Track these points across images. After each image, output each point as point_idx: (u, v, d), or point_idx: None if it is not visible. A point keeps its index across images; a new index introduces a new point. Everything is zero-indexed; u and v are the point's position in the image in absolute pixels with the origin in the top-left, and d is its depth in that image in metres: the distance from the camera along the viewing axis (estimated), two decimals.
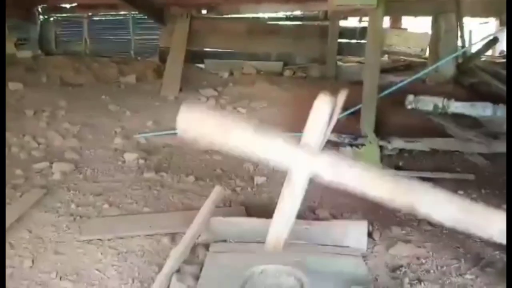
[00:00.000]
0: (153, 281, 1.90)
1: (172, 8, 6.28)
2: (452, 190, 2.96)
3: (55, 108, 4.40)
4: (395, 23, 7.61)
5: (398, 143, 3.48)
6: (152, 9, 6.31)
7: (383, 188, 1.57)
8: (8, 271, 1.97)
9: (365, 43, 3.63)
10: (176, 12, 6.23)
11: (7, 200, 2.62)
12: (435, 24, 5.19)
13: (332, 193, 2.91)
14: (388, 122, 3.87)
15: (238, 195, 2.88)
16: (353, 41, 6.63)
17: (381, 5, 3.47)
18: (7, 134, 3.67)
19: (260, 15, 7.13)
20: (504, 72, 4.42)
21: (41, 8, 7.14)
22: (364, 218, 2.36)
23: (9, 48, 6.49)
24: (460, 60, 5.13)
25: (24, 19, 6.92)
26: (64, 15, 7.28)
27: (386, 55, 6.79)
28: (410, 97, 4.00)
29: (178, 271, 1.97)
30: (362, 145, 3.38)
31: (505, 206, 2.01)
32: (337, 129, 3.73)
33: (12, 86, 4.76)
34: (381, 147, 3.45)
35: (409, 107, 4.11)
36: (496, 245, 2.23)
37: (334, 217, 2.58)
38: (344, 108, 4.02)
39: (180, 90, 5.30)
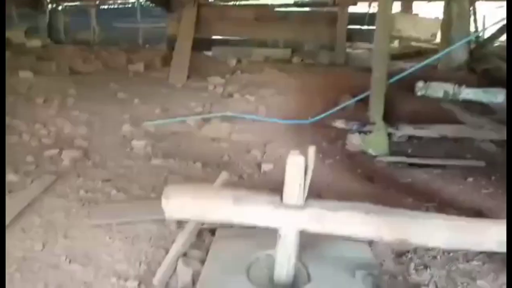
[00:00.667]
0: (160, 265, 1.93)
1: None
2: (462, 177, 2.98)
3: (65, 96, 4.44)
4: (406, 9, 7.47)
5: (407, 130, 3.44)
6: None
7: (370, 229, 1.61)
8: (20, 254, 2.03)
9: (374, 29, 3.55)
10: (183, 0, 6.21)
11: (19, 187, 2.67)
12: (447, 8, 5.06)
13: (338, 179, 2.93)
14: (397, 109, 3.83)
15: (244, 181, 2.89)
16: (363, 27, 6.52)
17: None
18: (18, 122, 3.73)
19: (268, 1, 7.06)
20: None
21: None
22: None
23: (19, 37, 6.55)
24: (473, 46, 5.01)
25: (33, 8, 6.96)
26: (73, 4, 7.30)
27: (397, 41, 6.67)
28: (420, 84, 3.94)
29: (184, 255, 2.00)
30: (370, 132, 3.35)
31: None
32: (345, 116, 3.73)
33: (22, 74, 4.81)
34: (389, 134, 3.41)
35: (419, 93, 4.06)
36: None
37: None
38: (353, 95, 4.00)
39: (188, 77, 5.30)
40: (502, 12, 7.43)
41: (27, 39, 6.55)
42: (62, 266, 1.94)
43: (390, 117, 3.60)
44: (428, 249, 2.15)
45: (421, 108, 3.74)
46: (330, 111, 3.73)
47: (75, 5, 7.31)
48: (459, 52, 4.68)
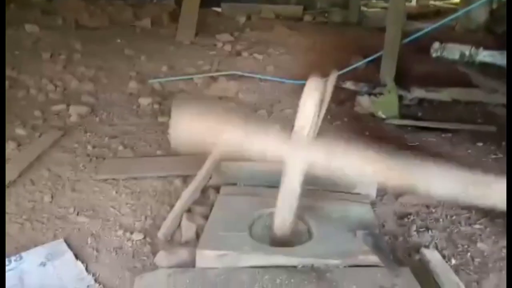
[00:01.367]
0: (164, 219, 1.97)
1: None
2: (471, 141, 2.94)
3: (71, 51, 4.39)
4: None
5: (418, 93, 3.36)
6: None
7: (379, 169, 1.56)
8: (29, 205, 2.08)
9: None
10: None
11: (27, 140, 2.70)
12: None
13: (345, 141, 2.91)
14: (410, 71, 3.72)
15: None
16: None
17: None
18: (25, 77, 3.72)
19: None
20: None
21: None
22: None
23: None
24: (494, 6, 4.77)
25: None
26: None
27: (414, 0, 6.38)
28: (436, 45, 3.78)
29: (188, 211, 2.04)
30: (381, 94, 3.28)
31: None
32: (354, 78, 3.64)
33: (28, 28, 4.74)
34: (400, 96, 3.34)
35: (434, 55, 3.91)
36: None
37: None
38: (364, 56, 3.89)
39: (196, 34, 5.17)
40: None
41: None
42: (70, 218, 2.00)
43: (402, 79, 3.51)
44: (430, 212, 2.16)
45: (435, 70, 3.62)
46: (340, 72, 3.64)
47: None
48: (479, 12, 4.46)
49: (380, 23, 4.83)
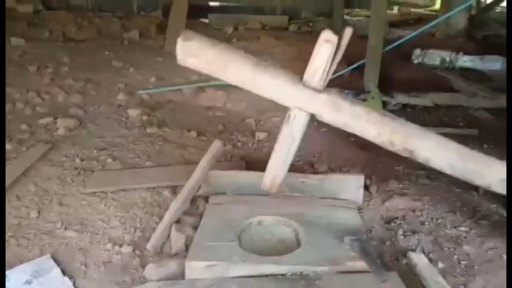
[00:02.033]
0: (154, 231, 1.98)
1: None
2: None
3: (58, 64, 4.37)
4: None
5: (401, 98, 3.43)
6: None
7: (383, 130, 1.53)
8: (15, 221, 2.06)
9: None
10: None
11: (13, 155, 2.68)
12: None
13: (332, 147, 2.95)
14: (393, 77, 3.80)
15: (239, 149, 2.91)
16: None
17: None
18: (11, 90, 3.69)
19: None
20: None
21: None
22: (363, 172, 2.39)
23: (10, 2, 6.35)
24: (473, 12, 4.90)
25: None
26: None
27: (396, 7, 6.51)
28: (417, 51, 3.89)
29: (178, 221, 2.04)
30: (365, 100, 3.34)
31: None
32: (339, 85, 3.70)
33: (14, 41, 4.72)
34: (384, 102, 3.41)
35: (415, 61, 4.02)
36: (493, 199, 2.26)
37: (333, 171, 2.61)
38: (348, 63, 3.95)
39: None
40: None
41: (18, 4, 6.36)
42: (57, 233, 1.98)
43: (385, 86, 3.58)
44: (416, 216, 2.20)
45: (417, 76, 3.71)
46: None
47: None
48: (458, 18, 4.58)
49: (364, 31, 4.91)
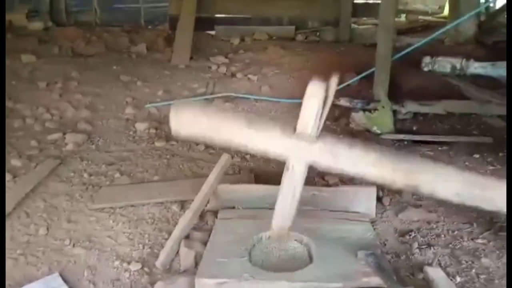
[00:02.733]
0: (162, 247, 1.94)
1: None
2: (468, 153, 2.93)
3: (67, 79, 4.41)
4: None
5: (412, 107, 3.37)
6: None
7: (383, 171, 1.54)
8: (24, 238, 2.05)
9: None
10: None
11: (22, 171, 2.69)
12: None
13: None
14: (403, 86, 3.75)
15: (247, 162, 2.88)
16: (368, 1, 6.34)
17: None
18: (21, 106, 3.73)
19: None
20: None
21: None
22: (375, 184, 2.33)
23: (21, 20, 6.48)
24: (482, 18, 4.84)
25: None
26: None
27: (404, 15, 6.48)
28: (427, 59, 3.82)
29: (187, 237, 2.01)
30: (375, 109, 3.29)
31: None
32: (349, 94, 3.66)
33: (24, 58, 4.78)
34: (394, 111, 3.35)
35: (425, 69, 3.95)
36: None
37: (344, 183, 2.55)
38: (357, 72, 3.92)
39: (191, 58, 5.22)
40: None
41: (29, 22, 6.48)
42: (66, 250, 1.97)
43: (395, 94, 3.53)
44: (432, 228, 2.14)
45: (428, 84, 3.65)
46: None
47: None
48: (467, 25, 4.53)
49: (371, 40, 4.90)
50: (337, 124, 3.46)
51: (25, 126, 3.43)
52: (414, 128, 3.36)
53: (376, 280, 1.63)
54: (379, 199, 2.29)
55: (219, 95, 4.02)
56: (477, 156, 2.86)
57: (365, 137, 3.23)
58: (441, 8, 6.20)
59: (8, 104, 3.74)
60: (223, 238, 1.92)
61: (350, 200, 2.15)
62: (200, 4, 5.92)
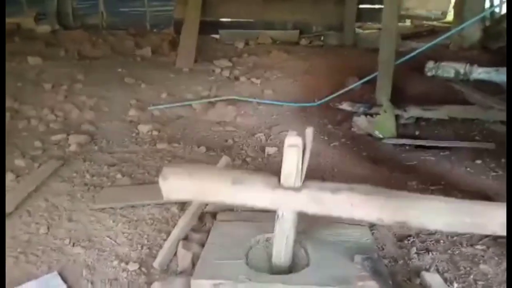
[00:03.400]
0: (161, 248, 1.96)
1: None
2: (470, 159, 2.92)
3: (73, 81, 4.46)
4: None
5: (414, 112, 3.36)
6: None
7: (369, 211, 1.57)
8: (25, 237, 2.08)
9: None
10: None
11: (26, 171, 2.72)
12: None
13: (343, 162, 2.90)
14: (406, 90, 3.75)
15: (248, 165, 2.89)
16: (374, 5, 6.33)
17: None
18: (27, 108, 3.77)
19: None
20: None
21: None
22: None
23: (29, 23, 6.57)
24: (487, 23, 4.82)
25: None
26: None
27: (408, 20, 6.47)
28: (430, 64, 3.83)
29: (185, 238, 2.02)
30: (377, 114, 3.29)
31: None
32: (352, 98, 3.67)
33: (31, 60, 4.84)
34: (397, 115, 3.35)
35: (429, 74, 3.96)
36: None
37: None
38: (360, 77, 3.92)
39: (195, 61, 5.26)
40: None
41: (37, 25, 6.57)
42: (66, 249, 1.99)
43: (398, 99, 3.53)
44: (430, 233, 2.13)
45: (431, 89, 3.65)
46: (336, 94, 3.67)
47: None
48: (472, 30, 4.51)
49: (375, 44, 4.89)
50: (339, 128, 3.46)
51: (30, 127, 3.47)
52: (416, 133, 3.35)
53: (371, 284, 1.63)
54: None
55: (222, 98, 4.04)
56: (479, 161, 2.85)
57: (367, 141, 3.24)
58: (444, 14, 6.18)
59: (14, 105, 3.79)
60: (221, 240, 1.93)
61: None
62: (204, 8, 5.97)
